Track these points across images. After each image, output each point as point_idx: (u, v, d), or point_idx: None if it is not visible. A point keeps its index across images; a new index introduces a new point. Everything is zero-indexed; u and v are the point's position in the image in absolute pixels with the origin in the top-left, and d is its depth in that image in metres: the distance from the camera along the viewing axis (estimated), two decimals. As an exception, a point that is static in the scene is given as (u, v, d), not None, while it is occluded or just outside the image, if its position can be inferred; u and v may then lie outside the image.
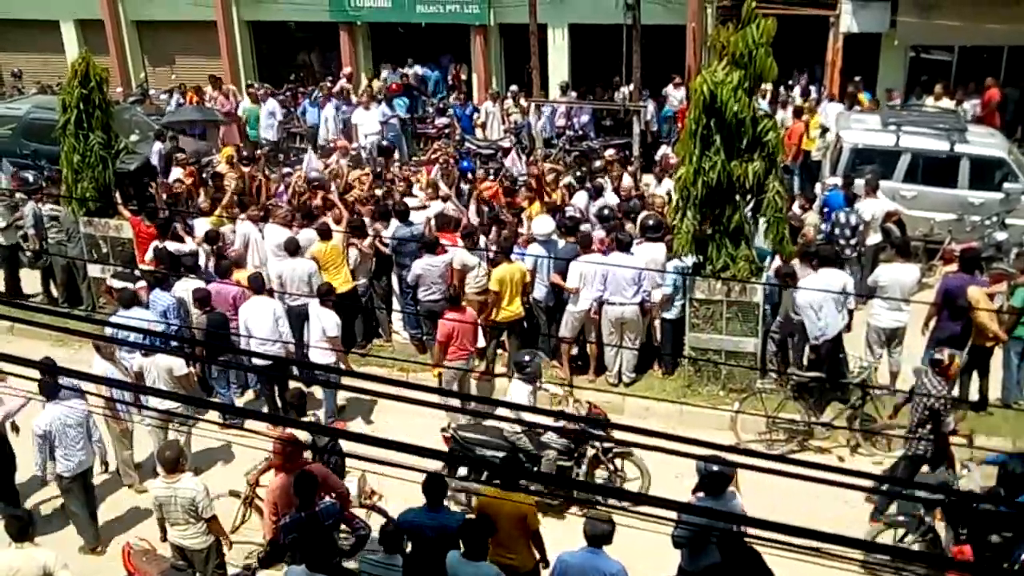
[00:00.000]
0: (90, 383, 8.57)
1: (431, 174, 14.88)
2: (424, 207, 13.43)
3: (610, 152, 16.26)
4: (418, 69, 22.60)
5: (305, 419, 9.74)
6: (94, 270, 13.49)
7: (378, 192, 14.24)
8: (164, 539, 8.16)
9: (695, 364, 11.19)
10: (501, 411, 9.01)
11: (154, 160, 16.54)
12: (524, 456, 9.34)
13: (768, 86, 15.79)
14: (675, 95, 19.44)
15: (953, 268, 11.26)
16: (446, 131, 19.50)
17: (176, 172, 15.66)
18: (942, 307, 10.51)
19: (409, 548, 7.47)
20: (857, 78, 18.72)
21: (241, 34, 24.09)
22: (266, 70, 24.50)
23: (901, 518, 8.22)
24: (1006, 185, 13.80)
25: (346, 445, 8.29)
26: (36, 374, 7.63)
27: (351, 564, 7.88)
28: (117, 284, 11.97)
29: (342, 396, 11.34)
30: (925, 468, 8.76)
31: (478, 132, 19.87)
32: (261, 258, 12.59)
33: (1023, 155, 15.16)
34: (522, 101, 19.55)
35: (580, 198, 13.80)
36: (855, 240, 12.59)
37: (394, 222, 12.47)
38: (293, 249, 11.68)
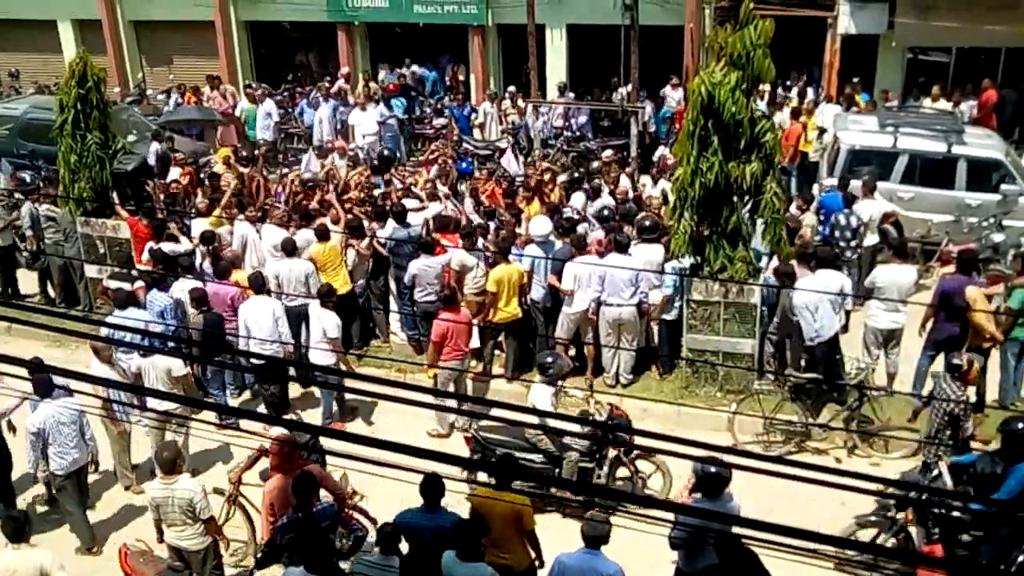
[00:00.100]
0: (85, 383, 8.55)
1: (429, 174, 14.88)
2: (422, 208, 13.43)
3: (608, 153, 16.27)
4: (416, 69, 22.60)
5: (288, 418, 9.79)
6: (91, 270, 13.48)
7: (376, 192, 14.23)
8: (160, 540, 8.15)
9: (692, 365, 11.20)
10: (497, 411, 8.99)
11: (151, 160, 16.54)
12: (546, 457, 9.34)
13: (766, 87, 15.81)
14: (673, 96, 19.44)
15: (950, 269, 11.28)
16: (443, 132, 19.50)
17: (174, 172, 15.65)
18: (939, 308, 10.52)
19: (406, 549, 7.46)
20: (856, 79, 18.74)
21: (239, 34, 24.08)
22: (264, 70, 24.49)
23: (873, 518, 8.24)
24: (1003, 187, 13.82)
25: (344, 447, 8.28)
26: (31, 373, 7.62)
27: (348, 565, 7.87)
28: (113, 285, 11.96)
29: (351, 398, 11.33)
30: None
31: (476, 133, 19.86)
32: (259, 259, 12.58)
33: (1020, 157, 15.18)
34: (520, 102, 19.55)
35: (578, 199, 13.80)
36: (855, 242, 12.59)
37: (391, 223, 12.46)
38: (290, 249, 11.68)
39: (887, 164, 14.17)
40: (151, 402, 9.83)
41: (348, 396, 11.22)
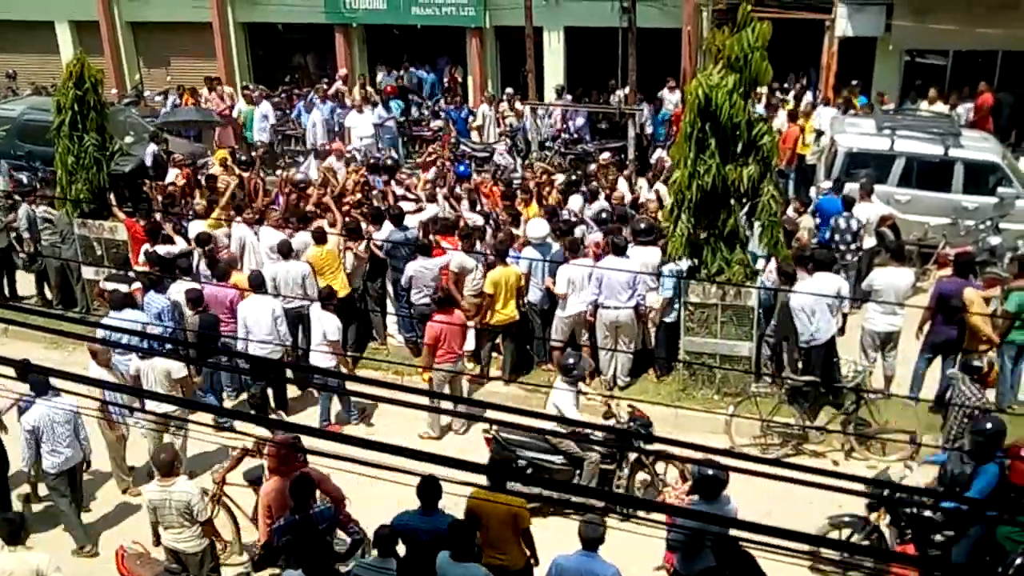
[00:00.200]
0: (81, 385, 8.53)
1: (427, 176, 14.88)
2: (419, 210, 13.42)
3: (605, 155, 16.28)
4: (413, 71, 22.61)
5: (273, 417, 9.78)
6: (88, 272, 13.46)
7: (374, 192, 14.23)
8: (157, 544, 8.14)
9: (690, 368, 11.20)
10: (490, 411, 8.99)
11: (148, 162, 16.52)
12: (567, 459, 9.33)
13: (764, 90, 15.82)
14: (670, 98, 19.46)
15: (947, 272, 11.28)
16: (440, 134, 19.51)
17: (172, 173, 15.65)
18: (936, 311, 10.53)
19: (403, 552, 7.46)
20: (854, 82, 18.76)
21: (236, 36, 24.08)
22: (261, 72, 24.50)
23: (846, 519, 8.27)
24: (1000, 190, 13.84)
25: (341, 449, 8.27)
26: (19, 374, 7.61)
27: (346, 568, 7.86)
28: (109, 286, 11.96)
29: (358, 402, 11.33)
30: None
31: (474, 135, 19.86)
32: (257, 261, 12.57)
33: (1017, 160, 15.20)
34: (517, 104, 19.55)
35: (575, 201, 13.81)
36: (855, 245, 12.59)
37: (387, 225, 12.46)
38: (286, 251, 11.68)
39: (884, 167, 14.18)
40: (149, 404, 9.82)
41: (352, 399, 11.22)
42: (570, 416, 9.19)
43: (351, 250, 12.28)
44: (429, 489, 7.23)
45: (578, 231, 12.42)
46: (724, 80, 10.10)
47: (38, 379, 8.46)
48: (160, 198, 14.50)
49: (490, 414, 8.95)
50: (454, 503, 7.56)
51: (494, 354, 12.07)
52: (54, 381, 8.53)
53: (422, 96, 22.41)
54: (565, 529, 7.76)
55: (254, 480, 8.53)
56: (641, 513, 7.19)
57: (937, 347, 10.69)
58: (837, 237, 12.56)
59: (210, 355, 10.84)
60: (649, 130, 19.34)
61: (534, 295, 11.71)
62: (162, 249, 12.34)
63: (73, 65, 12.99)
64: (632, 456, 9.37)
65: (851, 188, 13.41)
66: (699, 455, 7.73)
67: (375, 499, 8.07)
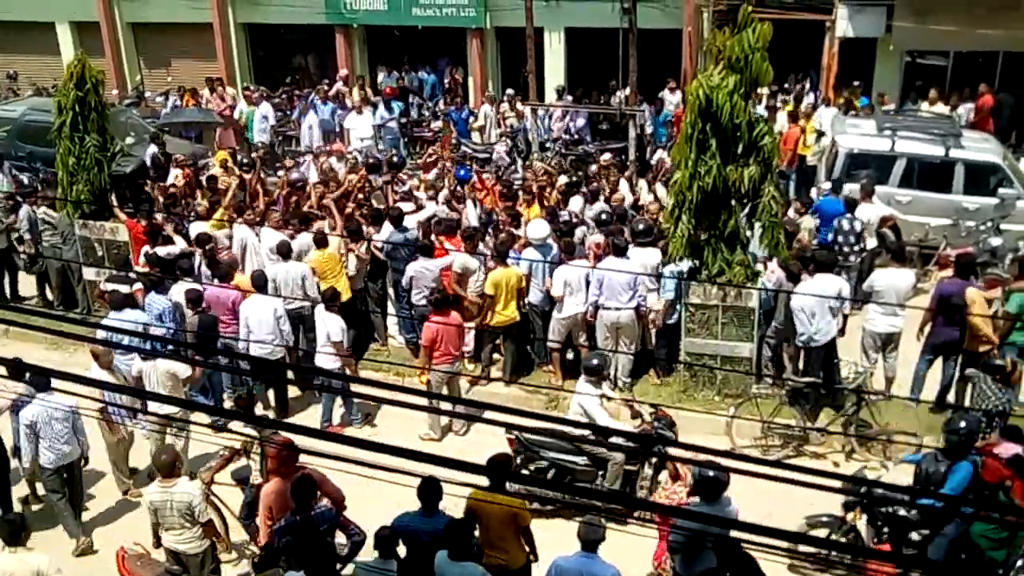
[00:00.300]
0: (75, 384, 8.54)
1: (428, 176, 14.88)
2: (418, 210, 13.41)
3: (606, 156, 16.27)
4: (414, 75, 22.62)
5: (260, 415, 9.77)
6: (89, 273, 13.46)
7: (377, 192, 14.23)
8: (157, 546, 8.14)
9: (691, 369, 11.19)
10: (486, 413, 8.97)
11: (149, 162, 16.53)
12: (591, 460, 9.31)
13: (764, 91, 15.81)
14: (671, 99, 19.45)
15: (948, 273, 11.28)
16: (440, 135, 19.51)
17: (174, 173, 15.66)
18: (937, 312, 10.53)
19: (404, 553, 7.46)
20: (856, 83, 18.75)
21: (237, 37, 24.08)
22: (262, 73, 24.50)
23: (824, 518, 8.30)
24: (1001, 190, 13.83)
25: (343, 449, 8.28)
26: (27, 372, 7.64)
27: (347, 570, 7.86)
28: (109, 287, 11.97)
29: (361, 403, 11.33)
30: None
31: (475, 136, 19.85)
32: (259, 263, 12.57)
33: (1017, 161, 15.19)
34: (518, 105, 19.55)
35: (576, 202, 13.80)
36: (858, 246, 12.58)
37: (387, 226, 12.45)
38: (285, 252, 11.68)
39: (885, 168, 14.18)
40: (151, 406, 9.83)
41: (356, 402, 11.23)
42: (596, 416, 9.16)
43: (353, 252, 12.28)
44: (429, 490, 7.24)
45: (579, 232, 12.42)
46: (725, 81, 10.09)
47: (38, 377, 8.49)
48: (161, 199, 14.51)
49: (496, 415, 8.93)
50: (454, 504, 7.56)
51: (494, 355, 12.06)
52: (54, 382, 8.53)
53: (422, 97, 22.41)
54: (564, 529, 7.76)
55: (242, 480, 8.54)
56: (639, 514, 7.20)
57: (938, 348, 10.69)
58: (840, 238, 12.54)
59: (209, 355, 10.85)
60: (649, 130, 19.32)
61: (535, 296, 11.70)
62: (162, 250, 12.35)
63: (74, 66, 12.99)
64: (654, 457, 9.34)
65: (852, 189, 13.40)
66: (704, 456, 7.71)
67: (375, 500, 8.07)
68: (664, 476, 9.29)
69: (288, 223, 12.79)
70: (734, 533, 6.09)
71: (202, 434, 9.57)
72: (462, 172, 14.84)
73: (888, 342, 10.91)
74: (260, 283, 11.15)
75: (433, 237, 12.27)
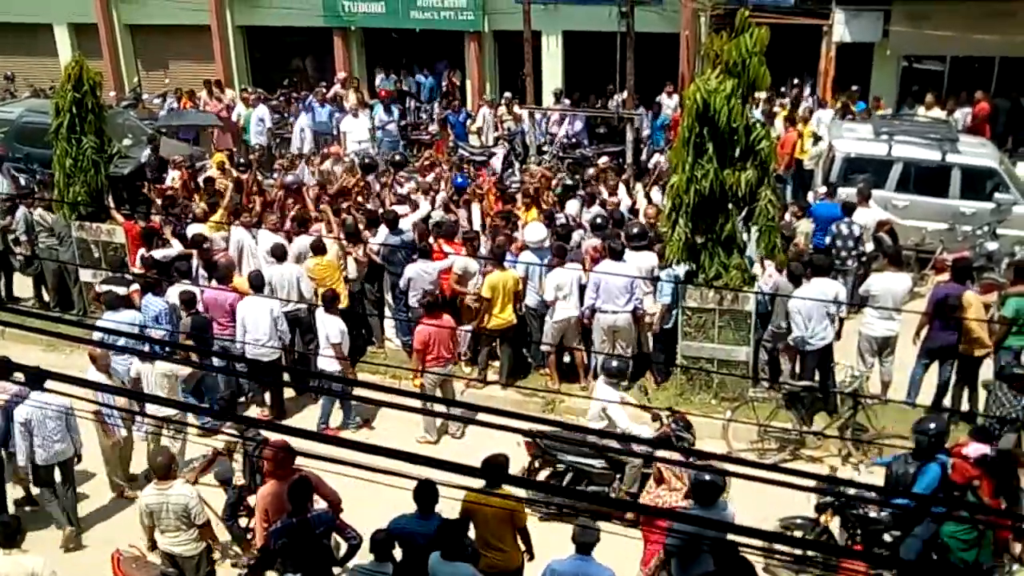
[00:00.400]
0: (66, 385, 8.55)
1: (427, 178, 14.89)
2: (415, 207, 13.38)
3: (603, 160, 16.28)
4: (412, 80, 22.63)
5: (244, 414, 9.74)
6: (86, 275, 13.45)
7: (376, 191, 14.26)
8: (152, 549, 8.13)
9: (687, 373, 11.19)
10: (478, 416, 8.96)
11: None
12: (608, 463, 9.29)
13: (762, 95, 15.83)
14: (668, 103, 19.48)
15: (945, 277, 11.29)
16: (436, 137, 19.52)
17: (172, 174, 15.66)
18: (933, 316, 10.55)
19: (400, 555, 7.45)
20: (854, 88, 18.79)
21: (235, 39, 24.10)
22: (260, 75, 24.51)
23: (798, 520, 8.33)
24: (997, 195, 13.85)
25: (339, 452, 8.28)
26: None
27: (343, 573, 7.85)
28: (103, 288, 11.96)
29: (365, 409, 11.35)
30: None
31: (475, 139, 19.86)
32: (255, 264, 12.56)
33: (1014, 165, 15.22)
34: (516, 108, 19.56)
35: (572, 206, 13.81)
36: (856, 251, 12.59)
37: (383, 229, 12.45)
38: (280, 254, 11.68)
39: (882, 172, 14.20)
40: (149, 407, 9.85)
41: (354, 406, 11.23)
42: (618, 419, 9.16)
43: (351, 255, 12.27)
44: (426, 493, 7.23)
45: (576, 236, 12.42)
46: (722, 85, 10.11)
47: (32, 373, 8.49)
48: (159, 200, 14.51)
49: (492, 418, 8.90)
50: (451, 507, 7.56)
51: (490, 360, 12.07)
52: (54, 385, 8.52)
53: (420, 100, 22.42)
54: (559, 532, 7.75)
55: (225, 481, 8.53)
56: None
57: (934, 352, 10.70)
58: (839, 243, 12.55)
59: (202, 357, 10.84)
60: (646, 132, 19.33)
61: (531, 299, 11.70)
62: (158, 253, 12.33)
63: (71, 68, 12.98)
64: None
65: (848, 193, 13.41)
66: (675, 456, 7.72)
67: (372, 503, 8.07)
68: (649, 481, 9.30)
69: (282, 224, 12.77)
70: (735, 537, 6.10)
71: (201, 436, 9.59)
72: (459, 180, 14.83)
73: (885, 346, 10.92)
74: (257, 283, 11.16)
75: (432, 240, 12.27)
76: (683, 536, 6.93)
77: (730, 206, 10.60)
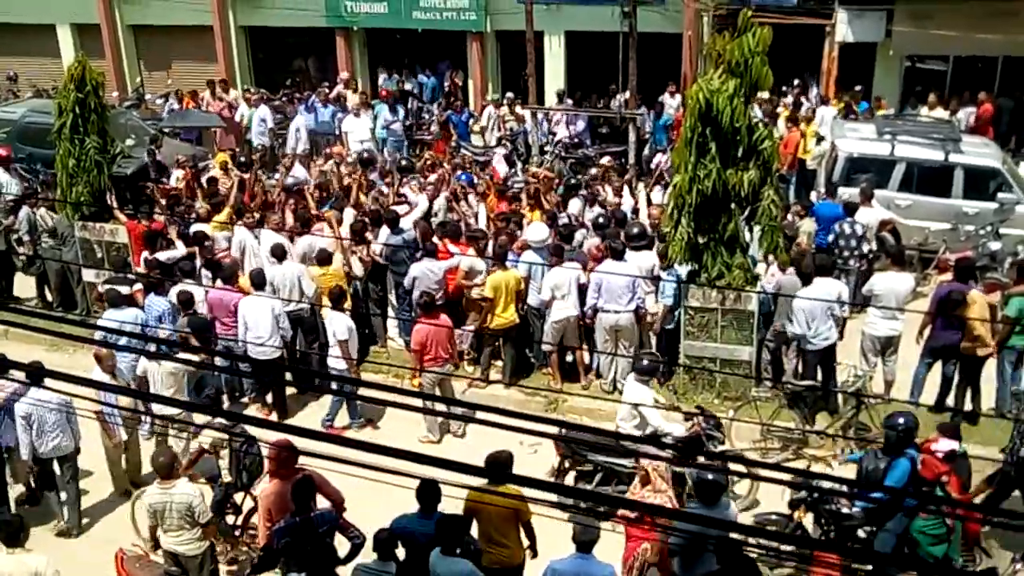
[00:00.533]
0: (81, 387, 8.58)
1: (429, 178, 14.90)
2: (411, 210, 13.37)
3: (606, 160, 16.27)
4: (414, 81, 22.63)
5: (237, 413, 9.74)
6: (89, 275, 13.46)
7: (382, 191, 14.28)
8: (155, 549, 8.14)
9: (690, 372, 11.19)
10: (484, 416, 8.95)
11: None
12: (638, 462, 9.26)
13: (764, 95, 15.82)
14: (671, 103, 19.47)
15: (947, 277, 11.29)
16: (436, 138, 19.52)
17: (176, 174, 15.69)
18: (936, 315, 10.54)
19: (402, 555, 7.45)
20: (858, 88, 18.77)
21: (237, 39, 24.10)
22: (262, 75, 24.52)
23: (773, 516, 8.37)
24: (1000, 195, 13.84)
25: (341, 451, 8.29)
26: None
27: (346, 572, 7.85)
28: (106, 287, 11.98)
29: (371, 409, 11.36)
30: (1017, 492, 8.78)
31: (479, 138, 19.86)
32: (258, 264, 12.57)
33: (1017, 165, 15.21)
34: (518, 108, 19.56)
35: (575, 205, 13.81)
36: (859, 250, 12.59)
37: (384, 230, 12.45)
38: (280, 254, 11.68)
39: (885, 172, 14.18)
40: (153, 406, 9.91)
41: (358, 407, 11.24)
42: (650, 417, 9.15)
43: (356, 254, 12.27)
44: (428, 492, 7.24)
45: (578, 235, 12.42)
46: (725, 85, 10.11)
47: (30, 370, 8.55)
48: (163, 200, 14.53)
49: (492, 416, 8.90)
50: (454, 506, 7.56)
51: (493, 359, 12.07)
52: (55, 385, 8.57)
53: (422, 100, 22.42)
54: (558, 531, 7.74)
55: (211, 478, 8.54)
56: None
57: (937, 352, 10.70)
58: (842, 242, 12.54)
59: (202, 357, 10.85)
60: (648, 128, 19.29)
61: (534, 299, 11.69)
62: (162, 255, 12.33)
63: (74, 68, 12.99)
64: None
65: (851, 193, 13.40)
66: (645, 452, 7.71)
67: (375, 502, 8.08)
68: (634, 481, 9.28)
69: (283, 223, 12.79)
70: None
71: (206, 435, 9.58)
72: (463, 176, 14.84)
73: (888, 345, 10.92)
74: (258, 281, 11.17)
75: (437, 240, 12.24)
76: (686, 535, 6.92)
77: (733, 206, 10.60)
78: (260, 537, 8.05)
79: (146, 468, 10.22)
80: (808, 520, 8.38)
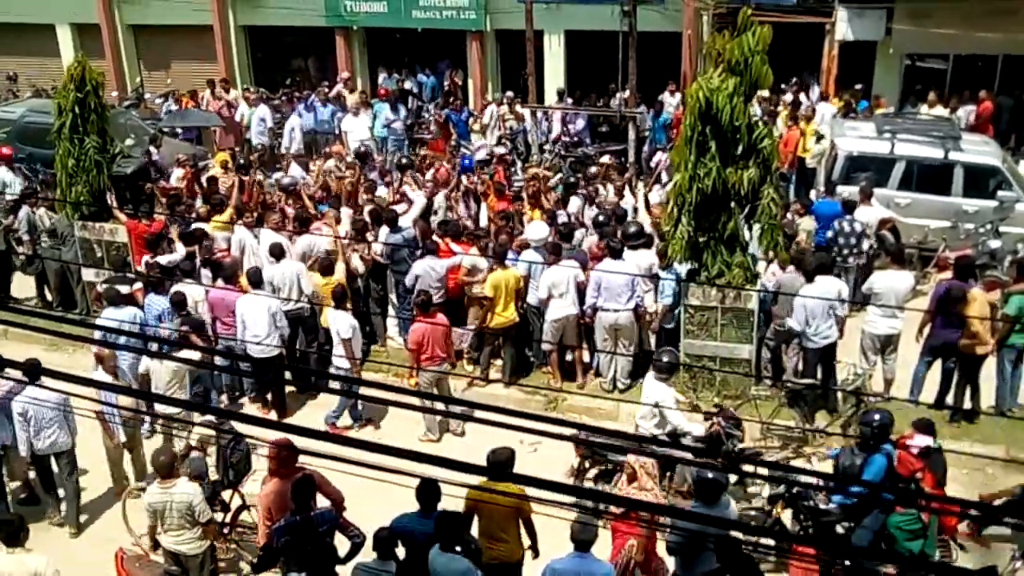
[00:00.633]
0: (81, 387, 8.59)
1: (425, 177, 14.92)
2: (408, 209, 13.37)
3: (605, 158, 16.26)
4: (413, 80, 22.63)
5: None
6: (88, 274, 13.46)
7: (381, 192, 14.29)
8: (155, 549, 8.13)
9: (690, 371, 11.19)
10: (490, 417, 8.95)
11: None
12: (657, 460, 9.24)
13: (765, 93, 15.82)
14: (671, 102, 19.46)
15: (947, 275, 11.28)
16: (434, 137, 19.52)
17: (177, 173, 15.69)
18: (937, 313, 10.54)
19: (402, 554, 7.46)
20: (858, 86, 18.77)
21: (237, 39, 24.10)
22: (262, 75, 24.51)
23: (752, 512, 8.43)
24: (1000, 193, 13.84)
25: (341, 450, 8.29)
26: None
27: (346, 571, 7.85)
28: (106, 286, 11.99)
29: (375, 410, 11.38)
30: None
31: (480, 137, 19.86)
32: (258, 263, 12.57)
33: (1016, 163, 15.20)
34: (518, 107, 19.56)
35: (575, 204, 13.80)
36: (858, 248, 12.58)
37: (384, 229, 12.45)
38: (278, 253, 11.67)
39: (884, 170, 14.18)
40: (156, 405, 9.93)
41: (359, 407, 11.25)
42: (671, 415, 9.15)
43: (357, 252, 12.27)
44: (428, 491, 7.24)
45: (578, 234, 12.42)
46: (724, 83, 10.10)
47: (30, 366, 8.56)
48: (164, 200, 14.53)
49: (491, 415, 8.90)
50: (454, 505, 7.56)
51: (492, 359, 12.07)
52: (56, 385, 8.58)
53: (422, 99, 22.42)
54: (556, 530, 7.76)
55: (199, 476, 8.54)
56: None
57: (937, 350, 10.70)
58: (841, 240, 12.54)
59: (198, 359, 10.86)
60: (647, 125, 19.28)
61: (533, 298, 11.69)
62: (163, 259, 12.33)
63: (74, 68, 12.98)
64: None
65: (851, 191, 13.40)
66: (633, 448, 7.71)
67: (375, 501, 8.08)
68: (621, 478, 9.27)
69: (283, 223, 12.79)
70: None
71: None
72: (466, 161, 14.84)
73: (887, 344, 10.92)
74: (255, 279, 11.17)
75: (439, 240, 12.23)
76: (686, 534, 6.92)
77: (733, 204, 10.60)
78: (260, 536, 8.05)
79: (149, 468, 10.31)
80: (787, 516, 8.42)
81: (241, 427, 8.93)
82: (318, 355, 11.93)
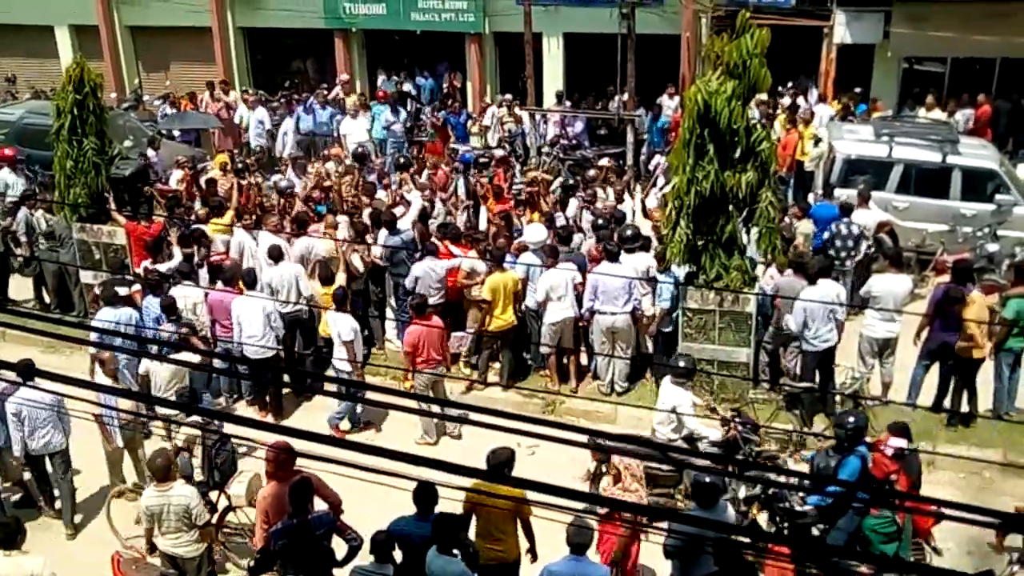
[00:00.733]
0: (79, 389, 8.57)
1: (422, 178, 14.93)
2: (406, 211, 13.37)
3: (604, 161, 16.27)
4: (412, 83, 22.63)
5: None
6: (86, 276, 13.45)
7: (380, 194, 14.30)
8: (151, 552, 8.12)
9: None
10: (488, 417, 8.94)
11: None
12: (674, 465, 9.24)
13: (763, 96, 15.82)
14: (669, 105, 19.47)
15: (945, 279, 11.29)
16: (431, 139, 19.53)
17: (176, 175, 15.69)
18: (935, 316, 10.54)
19: (400, 557, 7.45)
20: (856, 90, 18.79)
21: (236, 41, 24.08)
22: (261, 77, 24.50)
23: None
24: (998, 197, 13.84)
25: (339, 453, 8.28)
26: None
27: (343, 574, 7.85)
28: (102, 287, 11.99)
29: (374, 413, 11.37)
30: None
31: (479, 139, 19.86)
32: (257, 266, 12.56)
33: (1014, 167, 15.22)
34: (516, 109, 19.56)
35: (573, 207, 13.81)
36: (855, 251, 12.58)
37: (382, 232, 12.45)
38: (276, 255, 11.67)
39: (882, 174, 14.18)
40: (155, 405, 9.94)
41: (358, 409, 11.24)
42: (688, 420, 9.14)
43: (357, 252, 12.27)
44: (425, 494, 7.23)
45: (576, 237, 12.42)
46: (723, 86, 10.11)
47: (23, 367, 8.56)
48: (163, 202, 14.52)
49: (486, 418, 8.90)
50: (451, 508, 7.55)
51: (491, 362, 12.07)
52: (53, 386, 8.57)
53: (421, 102, 22.41)
54: (551, 533, 7.77)
55: (185, 476, 8.54)
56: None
57: (935, 353, 10.70)
58: (838, 243, 12.55)
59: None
60: (646, 128, 19.28)
61: (531, 301, 11.69)
62: (163, 267, 12.31)
63: (72, 69, 12.97)
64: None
65: (849, 194, 13.40)
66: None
67: (372, 504, 8.07)
68: (607, 480, 9.25)
69: (281, 226, 12.79)
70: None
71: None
72: (467, 156, 14.84)
73: (885, 347, 10.92)
74: (250, 280, 11.18)
75: (439, 242, 12.22)
76: (683, 537, 6.91)
77: (731, 207, 10.60)
78: (257, 539, 8.04)
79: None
80: (762, 518, 8.42)
81: (240, 429, 8.93)
82: (315, 358, 11.91)
